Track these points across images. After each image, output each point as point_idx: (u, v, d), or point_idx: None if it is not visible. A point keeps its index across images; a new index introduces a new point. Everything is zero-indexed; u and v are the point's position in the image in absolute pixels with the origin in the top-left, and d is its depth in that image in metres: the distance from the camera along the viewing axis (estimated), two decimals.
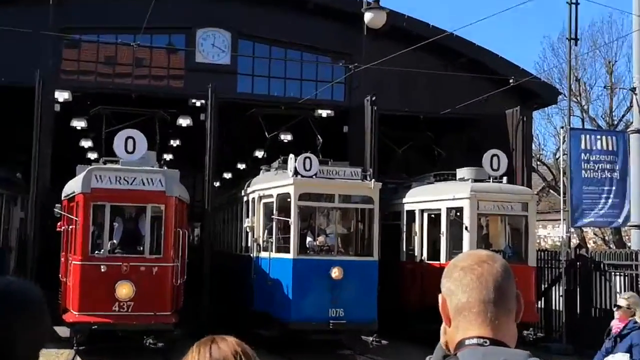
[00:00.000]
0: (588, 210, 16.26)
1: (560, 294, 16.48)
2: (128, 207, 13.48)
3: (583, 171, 16.24)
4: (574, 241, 24.07)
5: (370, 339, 13.29)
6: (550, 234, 33.45)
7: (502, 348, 1.81)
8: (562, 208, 16.74)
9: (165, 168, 15.12)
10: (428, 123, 19.51)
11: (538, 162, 32.53)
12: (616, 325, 7.10)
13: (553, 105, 25.13)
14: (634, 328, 6.89)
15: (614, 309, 7.26)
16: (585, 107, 31.39)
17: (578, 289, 16.12)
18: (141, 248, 13.21)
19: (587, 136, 16.68)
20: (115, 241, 13.00)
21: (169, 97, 18.56)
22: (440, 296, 1.94)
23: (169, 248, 13.13)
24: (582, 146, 16.33)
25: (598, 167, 16.30)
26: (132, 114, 16.81)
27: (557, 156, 33.63)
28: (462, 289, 1.88)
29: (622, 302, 7.18)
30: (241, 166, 29.39)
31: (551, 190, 33.47)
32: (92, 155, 23.17)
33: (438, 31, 17.65)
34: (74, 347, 12.83)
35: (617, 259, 15.74)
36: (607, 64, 30.60)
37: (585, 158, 16.35)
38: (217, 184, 30.88)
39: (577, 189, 16.25)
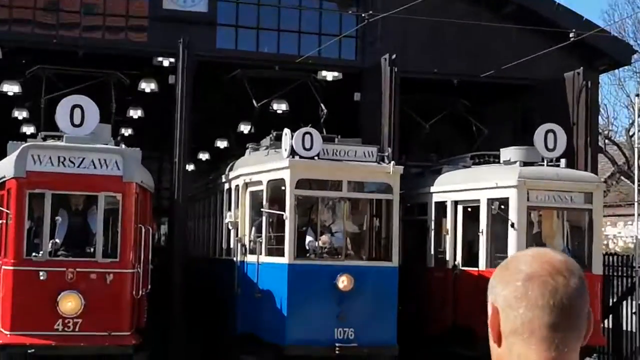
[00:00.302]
0: None
1: (634, 310, 16.47)
2: (74, 197, 13.44)
3: None
4: None
5: None
6: (621, 233, 33.44)
7: None
8: (635, 200, 16.72)
9: (124, 146, 15.09)
10: (464, 90, 19.43)
11: (606, 141, 32.52)
12: None
13: (626, 67, 25.10)
14: None
15: None
16: None
17: None
18: (91, 250, 13.19)
19: None
20: (57, 241, 12.97)
21: (128, 55, 18.49)
22: (490, 305, 1.93)
23: (127, 250, 13.11)
24: None
25: None
26: (80, 76, 16.77)
27: (630, 133, 33.61)
28: (526, 305, 1.87)
29: None
30: (222, 144, 29.39)
31: (623, 178, 33.45)
32: (27, 129, 23.18)
33: None
34: None
35: None
36: None
37: None
38: (190, 167, 30.97)
39: None
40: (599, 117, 31.17)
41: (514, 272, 1.91)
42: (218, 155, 29.13)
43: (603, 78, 33.44)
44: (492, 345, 1.94)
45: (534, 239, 15.68)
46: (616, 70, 29.53)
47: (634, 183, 19.68)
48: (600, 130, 31.47)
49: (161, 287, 15.89)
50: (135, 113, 25.16)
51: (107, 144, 13.80)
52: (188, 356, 15.90)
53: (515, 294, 1.88)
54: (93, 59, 17.68)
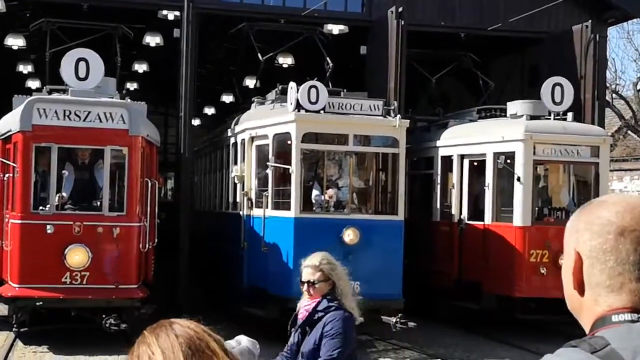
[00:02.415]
0: None
1: None
2: (81, 151, 13.46)
3: None
4: None
5: (394, 319, 13.33)
6: (627, 187, 33.35)
7: None
8: None
9: (129, 100, 15.04)
10: (471, 43, 19.25)
11: (614, 95, 32.30)
12: (304, 307, 5.73)
13: (634, 21, 24.82)
14: (329, 309, 5.60)
15: (304, 288, 5.72)
16: None
17: None
18: (98, 203, 13.24)
19: None
20: (64, 194, 13.01)
21: (132, 8, 18.35)
22: (572, 250, 1.84)
23: (133, 203, 13.16)
24: None
25: None
26: (85, 29, 16.67)
27: (638, 87, 33.39)
28: (616, 258, 1.78)
29: (309, 272, 5.71)
30: (228, 99, 29.29)
31: (630, 132, 33.30)
32: (33, 84, 23.12)
33: None
34: (14, 329, 12.96)
35: None
36: None
37: None
38: (196, 122, 30.95)
39: None
40: (607, 71, 30.96)
41: (604, 222, 1.81)
42: (224, 109, 29.05)
43: (611, 32, 33.09)
44: (572, 291, 1.86)
45: (540, 193, 15.69)
46: (625, 24, 29.25)
47: None
48: (608, 85, 31.24)
49: (169, 241, 15.97)
50: (141, 67, 25.06)
51: (112, 98, 13.78)
52: (195, 309, 15.99)
53: (605, 246, 1.79)
54: (98, 13, 17.55)
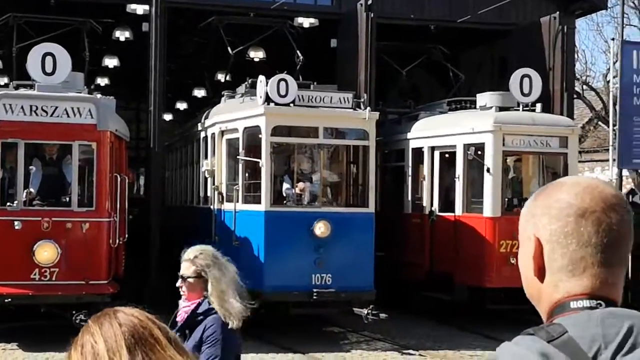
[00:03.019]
0: (639, 149, 16.36)
1: None
2: (48, 146, 13.34)
3: (635, 97, 16.26)
4: (629, 187, 24.23)
5: (365, 311, 13.37)
6: (598, 178, 33.65)
7: (623, 310, 1.71)
8: (610, 144, 16.79)
9: (98, 95, 14.93)
10: (441, 36, 19.29)
11: (584, 87, 32.51)
12: (183, 308, 5.22)
13: (603, 12, 24.97)
14: (209, 312, 5.07)
15: (179, 283, 5.20)
16: None
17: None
18: (67, 199, 13.14)
19: None
20: (32, 190, 12.89)
21: (101, 2, 18.23)
22: (533, 237, 1.79)
23: (102, 199, 13.08)
24: (634, 65, 16.29)
25: None
26: (53, 24, 16.50)
27: (608, 78, 33.61)
28: (577, 242, 1.74)
29: (184, 266, 5.19)
30: (200, 93, 29.17)
31: (601, 123, 33.51)
32: (1, 80, 22.84)
33: None
34: None
35: None
36: None
37: (638, 81, 16.34)
38: (168, 117, 30.81)
39: (626, 121, 16.31)
40: (577, 63, 31.15)
41: (563, 205, 1.76)
42: (196, 104, 28.89)
43: (581, 24, 33.35)
44: (531, 278, 1.81)
45: (510, 184, 15.77)
46: (594, 16, 29.42)
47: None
48: (578, 76, 31.44)
49: (139, 236, 15.88)
50: (111, 62, 24.87)
51: (80, 93, 13.66)
52: (165, 304, 15.92)
53: (565, 229, 1.74)
54: (65, 7, 17.41)
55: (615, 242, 1.75)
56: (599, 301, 1.73)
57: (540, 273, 1.80)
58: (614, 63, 18.10)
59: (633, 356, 1.64)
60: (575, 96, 26.26)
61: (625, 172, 26.80)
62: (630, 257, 1.85)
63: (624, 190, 18.42)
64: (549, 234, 1.77)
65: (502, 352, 1.70)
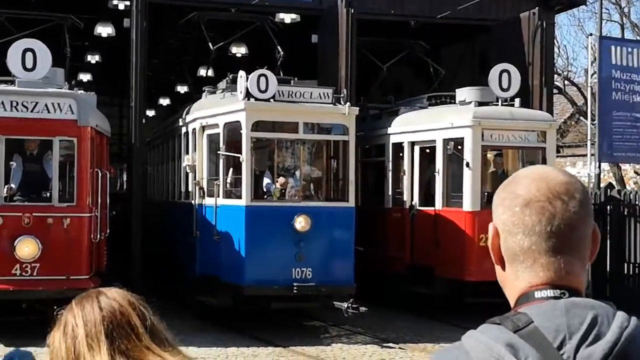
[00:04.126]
0: (619, 142, 16.52)
1: None
2: (28, 142, 13.36)
3: (613, 92, 16.43)
4: (610, 181, 24.42)
5: (346, 305, 13.47)
6: (580, 173, 33.78)
7: (586, 300, 1.74)
8: (589, 139, 16.94)
9: (79, 91, 14.94)
10: (421, 31, 19.39)
11: (566, 82, 32.68)
12: None
13: (585, 8, 25.13)
14: None
15: None
16: (626, 9, 31.39)
17: (608, 240, 16.43)
18: (48, 194, 13.16)
19: (619, 48, 16.78)
20: (13, 186, 12.93)
21: None
22: (491, 226, 1.85)
23: (83, 194, 13.11)
24: (613, 61, 16.45)
25: (629, 89, 16.47)
26: (34, 20, 16.50)
27: (589, 73, 33.78)
28: (523, 230, 1.78)
29: None
30: (182, 89, 29.16)
31: (582, 118, 33.70)
32: None
33: None
34: None
35: None
36: None
37: (616, 76, 16.51)
38: (151, 113, 30.78)
39: (605, 115, 16.49)
40: (559, 58, 31.34)
41: (512, 196, 1.81)
42: (179, 100, 28.84)
43: (563, 19, 33.49)
44: (496, 266, 1.86)
45: (489, 179, 15.89)
46: (575, 11, 29.63)
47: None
48: (560, 72, 31.63)
49: (121, 232, 15.91)
50: (93, 58, 24.85)
51: (61, 88, 13.68)
52: (147, 299, 15.95)
53: (513, 219, 1.79)
54: (47, 3, 17.38)
55: (562, 230, 1.76)
56: (562, 291, 1.75)
57: (501, 262, 1.84)
58: (593, 59, 18.22)
59: (597, 347, 1.66)
60: (556, 91, 26.43)
61: (606, 167, 27.10)
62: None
63: (602, 184, 18.58)
64: (502, 223, 1.83)
65: (469, 340, 1.74)
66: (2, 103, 12.67)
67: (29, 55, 13.15)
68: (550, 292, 1.76)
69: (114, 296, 2.12)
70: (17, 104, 12.73)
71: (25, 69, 13.11)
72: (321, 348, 13.11)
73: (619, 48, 16.88)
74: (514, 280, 1.82)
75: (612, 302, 1.75)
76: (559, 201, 1.78)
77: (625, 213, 16.34)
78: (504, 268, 1.84)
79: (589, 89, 19.68)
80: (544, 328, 1.68)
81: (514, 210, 1.80)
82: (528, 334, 1.68)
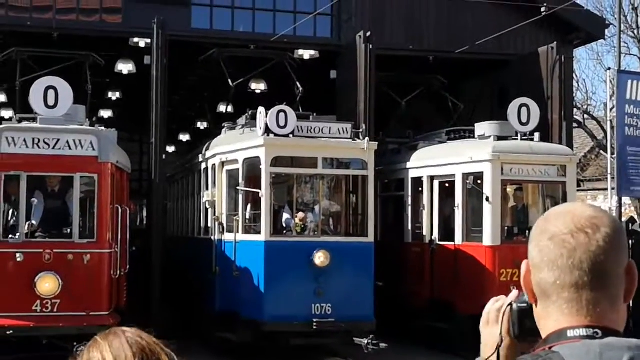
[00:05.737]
0: (635, 177, 16.45)
1: None
2: (50, 178, 13.45)
3: (626, 127, 16.40)
4: (632, 215, 24.27)
5: (366, 341, 13.40)
6: (601, 206, 33.65)
7: (622, 340, 1.69)
8: (609, 173, 16.86)
9: (100, 127, 15.07)
10: (440, 66, 19.47)
11: (586, 116, 32.61)
12: None
13: (603, 42, 25.11)
14: None
15: None
16: None
17: None
18: (68, 230, 13.21)
19: (635, 82, 16.74)
20: (34, 222, 12.99)
21: (103, 36, 18.43)
22: (524, 263, 1.86)
23: (104, 230, 13.16)
24: (627, 95, 16.43)
25: None
26: (56, 58, 16.69)
27: (609, 107, 33.70)
28: (548, 264, 1.78)
29: None
30: (202, 125, 29.37)
31: (602, 152, 33.57)
32: (6, 113, 23.03)
33: None
34: None
35: None
36: None
37: (629, 111, 16.49)
38: (171, 149, 30.99)
39: (622, 150, 16.44)
40: (578, 92, 31.32)
41: (541, 232, 1.82)
42: (198, 136, 29.08)
43: (581, 53, 33.46)
44: (531, 301, 1.87)
45: (510, 213, 15.83)
46: (594, 45, 29.63)
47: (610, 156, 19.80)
48: (580, 105, 31.58)
49: (141, 268, 15.94)
50: (114, 95, 25.08)
51: (82, 125, 13.81)
52: (167, 335, 15.93)
53: (541, 254, 1.79)
54: (68, 41, 17.61)
55: (584, 265, 1.74)
56: (595, 330, 1.72)
57: (534, 298, 1.84)
58: (612, 93, 18.19)
59: None
60: (576, 125, 26.39)
61: (628, 201, 26.93)
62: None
63: (624, 218, 18.45)
64: (532, 259, 1.83)
65: None
66: (25, 140, 12.79)
67: (51, 92, 13.30)
68: (583, 332, 1.72)
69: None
70: (39, 140, 12.84)
71: (47, 106, 13.26)
72: None
73: (635, 82, 16.84)
74: (545, 316, 1.81)
75: None
76: (582, 234, 1.76)
77: None
78: (536, 304, 1.84)
79: (608, 122, 19.61)
80: None
81: (541, 245, 1.80)
82: None
